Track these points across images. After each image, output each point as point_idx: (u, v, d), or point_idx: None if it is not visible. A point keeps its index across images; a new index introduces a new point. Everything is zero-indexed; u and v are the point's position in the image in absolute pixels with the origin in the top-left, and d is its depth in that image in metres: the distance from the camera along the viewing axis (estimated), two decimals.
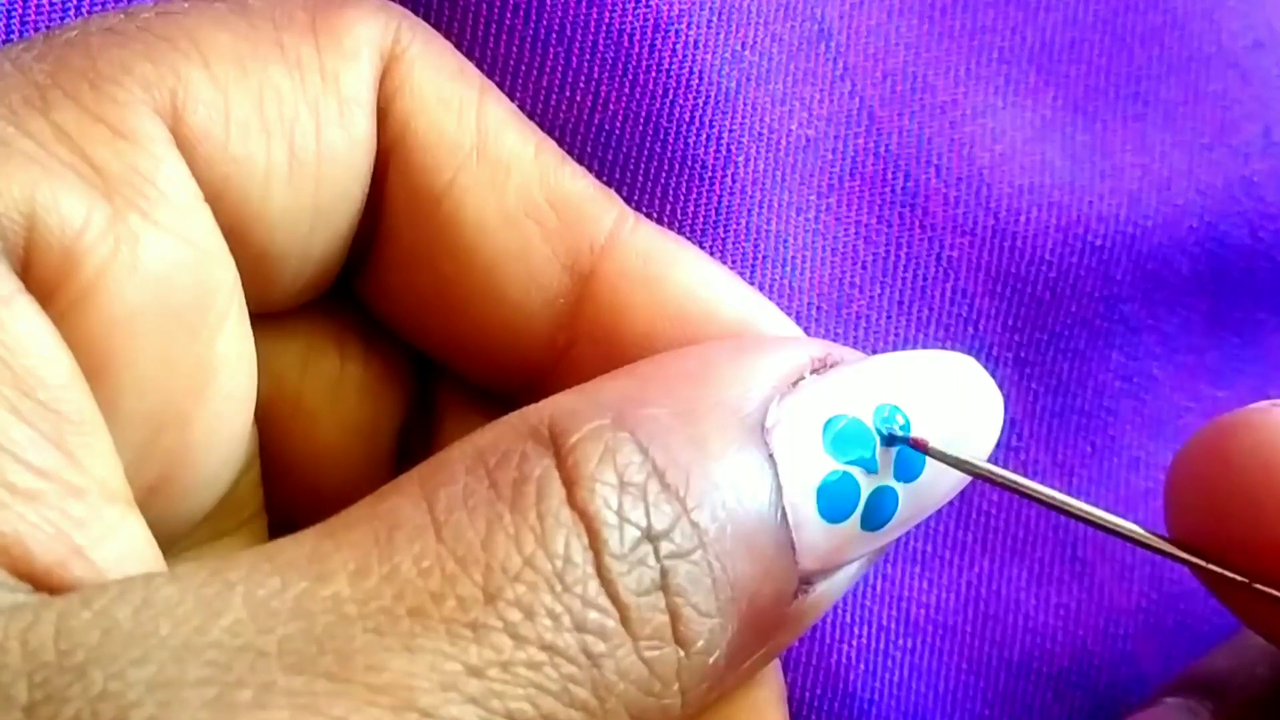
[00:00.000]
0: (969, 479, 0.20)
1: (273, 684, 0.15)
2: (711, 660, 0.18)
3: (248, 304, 0.20)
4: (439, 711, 0.16)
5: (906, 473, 0.20)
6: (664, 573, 0.17)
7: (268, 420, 0.22)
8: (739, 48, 0.25)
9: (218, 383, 0.20)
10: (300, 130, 0.20)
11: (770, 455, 0.18)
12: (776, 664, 0.21)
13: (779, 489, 0.18)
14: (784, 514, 0.18)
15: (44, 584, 0.17)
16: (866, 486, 0.19)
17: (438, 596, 0.16)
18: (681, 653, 0.17)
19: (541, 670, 0.16)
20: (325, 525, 0.17)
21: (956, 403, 0.20)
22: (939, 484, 0.20)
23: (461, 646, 0.16)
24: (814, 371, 0.20)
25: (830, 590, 0.19)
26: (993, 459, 0.27)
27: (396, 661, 0.16)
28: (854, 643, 0.26)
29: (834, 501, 0.19)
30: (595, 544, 0.17)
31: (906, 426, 0.19)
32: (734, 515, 0.18)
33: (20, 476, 0.17)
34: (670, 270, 0.21)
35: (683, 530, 0.17)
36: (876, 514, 0.19)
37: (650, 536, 0.17)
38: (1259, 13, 0.27)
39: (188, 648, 0.15)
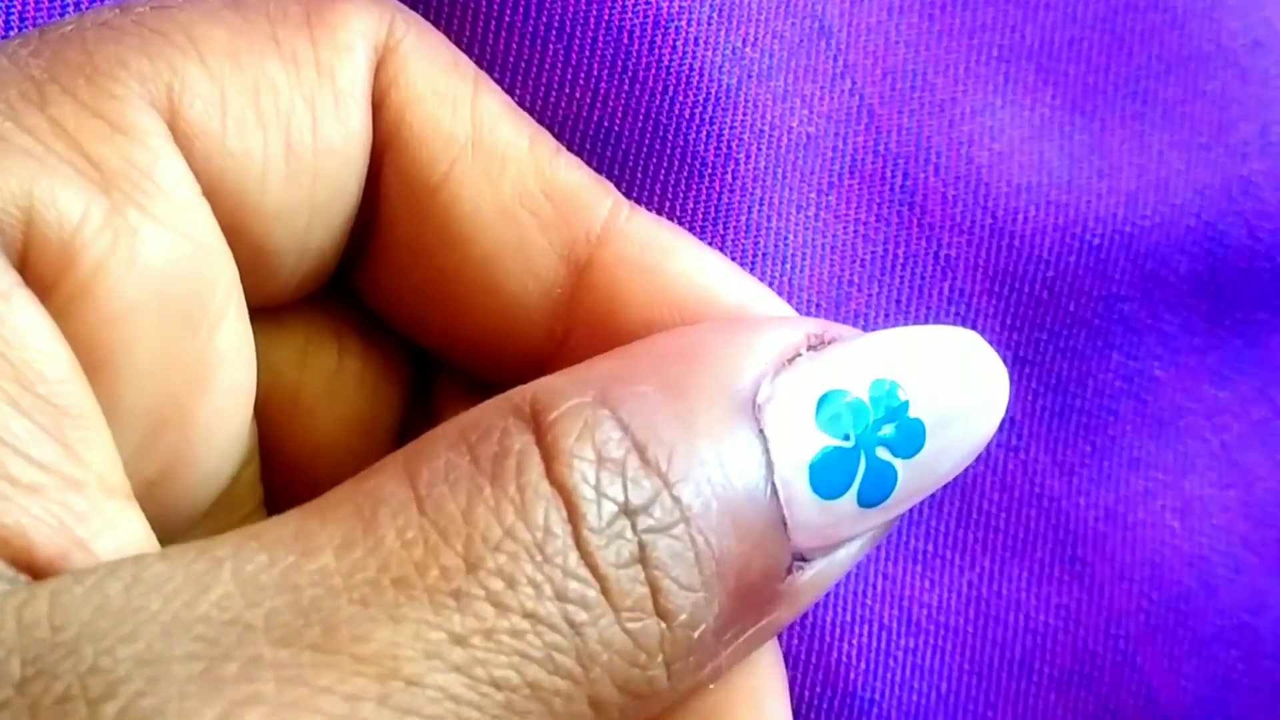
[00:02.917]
0: (975, 455, 0.20)
1: (259, 657, 0.15)
2: (697, 634, 0.18)
3: (247, 299, 0.20)
4: (424, 679, 0.16)
5: (906, 448, 0.19)
6: (642, 546, 0.17)
7: (266, 414, 0.22)
8: (739, 45, 0.25)
9: (218, 378, 0.20)
10: (297, 124, 0.20)
11: (761, 431, 0.18)
12: (778, 653, 0.21)
13: (769, 465, 0.18)
14: (774, 490, 0.18)
15: (44, 576, 0.16)
16: (862, 462, 0.19)
17: (421, 566, 0.16)
18: (664, 625, 0.17)
19: (524, 638, 0.16)
20: (311, 504, 0.17)
21: (957, 378, 0.20)
22: (940, 461, 0.20)
23: (445, 615, 0.16)
24: (810, 348, 0.19)
25: (830, 569, 0.19)
26: (993, 458, 0.27)
27: (381, 631, 0.16)
28: (854, 641, 0.26)
29: (827, 478, 0.19)
30: (574, 517, 0.17)
31: (905, 403, 0.19)
32: (720, 491, 0.18)
33: (21, 470, 0.17)
34: (667, 258, 0.21)
35: (663, 505, 0.17)
36: (874, 491, 0.19)
37: (628, 511, 0.17)
38: (1258, 12, 0.27)
39: (177, 622, 0.15)
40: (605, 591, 0.17)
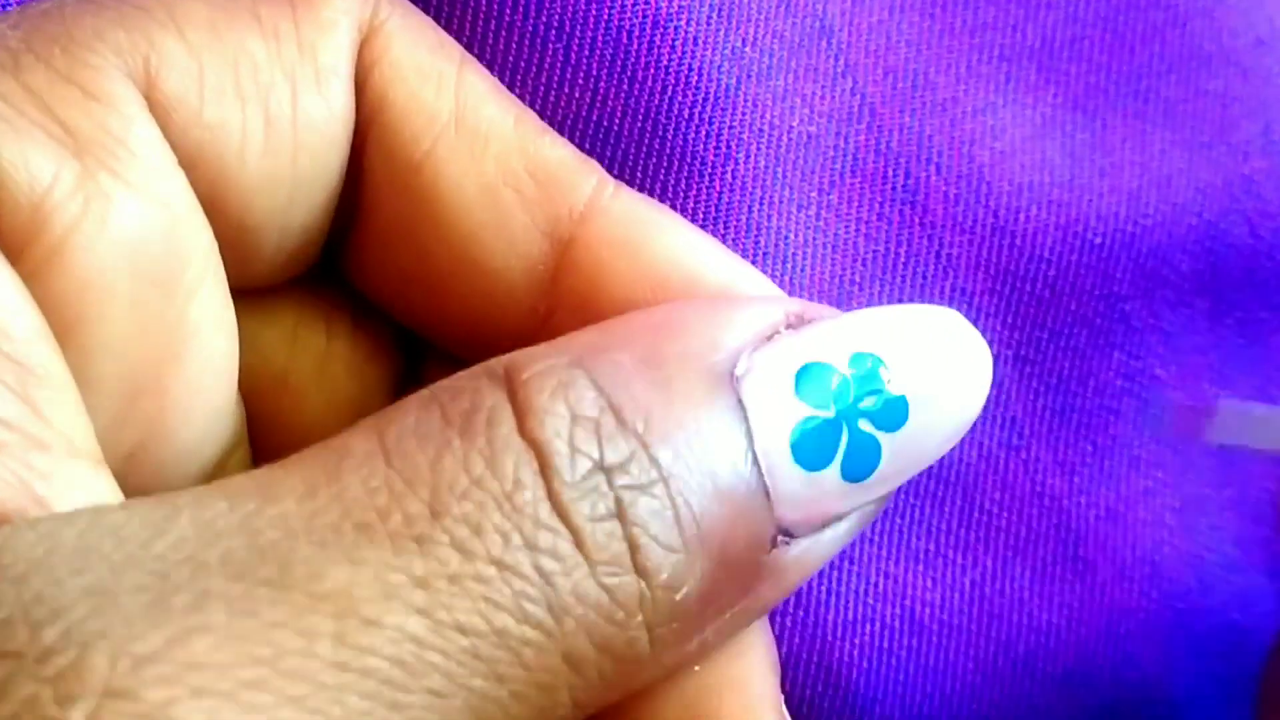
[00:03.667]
0: (960, 434, 0.20)
1: (210, 590, 0.15)
2: (679, 596, 0.17)
3: (230, 278, 0.20)
4: (383, 619, 0.15)
5: (889, 422, 0.19)
6: (619, 501, 0.17)
7: (255, 398, 0.22)
8: (739, 44, 0.25)
9: (194, 349, 0.19)
10: (276, 98, 0.20)
11: (739, 401, 0.18)
12: (767, 631, 0.20)
13: (749, 434, 0.18)
14: (755, 459, 0.18)
15: None
16: (845, 434, 0.19)
17: (383, 512, 0.16)
18: (643, 583, 0.17)
19: (491, 585, 0.16)
20: (278, 462, 0.17)
21: (939, 355, 0.20)
22: (924, 439, 0.19)
23: (406, 559, 0.16)
24: (789, 327, 0.19)
25: (816, 548, 0.19)
26: (994, 457, 0.27)
27: (339, 571, 0.16)
28: (857, 640, 0.26)
29: (809, 448, 0.18)
30: (546, 471, 0.17)
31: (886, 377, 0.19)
32: (700, 457, 0.18)
33: None
34: (651, 236, 0.21)
35: (640, 464, 0.17)
36: (858, 464, 0.19)
37: (604, 468, 0.17)
38: (1260, 10, 0.27)
39: (130, 561, 0.15)
40: (579, 544, 0.17)
